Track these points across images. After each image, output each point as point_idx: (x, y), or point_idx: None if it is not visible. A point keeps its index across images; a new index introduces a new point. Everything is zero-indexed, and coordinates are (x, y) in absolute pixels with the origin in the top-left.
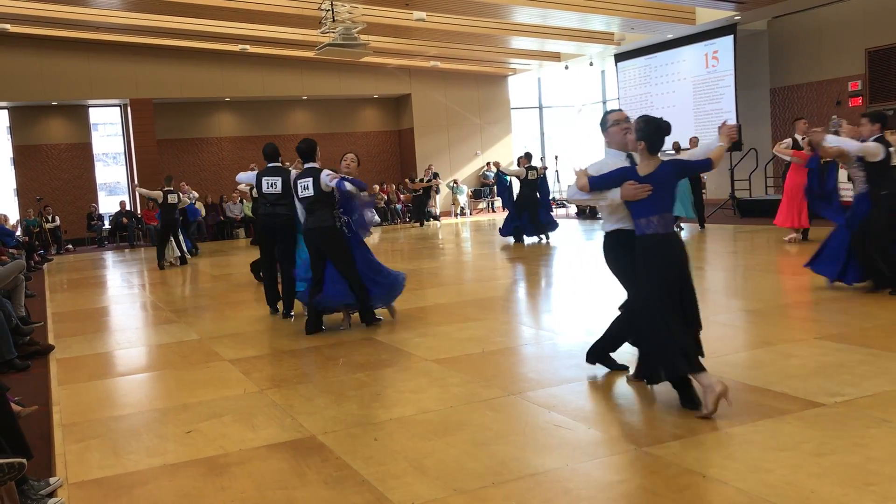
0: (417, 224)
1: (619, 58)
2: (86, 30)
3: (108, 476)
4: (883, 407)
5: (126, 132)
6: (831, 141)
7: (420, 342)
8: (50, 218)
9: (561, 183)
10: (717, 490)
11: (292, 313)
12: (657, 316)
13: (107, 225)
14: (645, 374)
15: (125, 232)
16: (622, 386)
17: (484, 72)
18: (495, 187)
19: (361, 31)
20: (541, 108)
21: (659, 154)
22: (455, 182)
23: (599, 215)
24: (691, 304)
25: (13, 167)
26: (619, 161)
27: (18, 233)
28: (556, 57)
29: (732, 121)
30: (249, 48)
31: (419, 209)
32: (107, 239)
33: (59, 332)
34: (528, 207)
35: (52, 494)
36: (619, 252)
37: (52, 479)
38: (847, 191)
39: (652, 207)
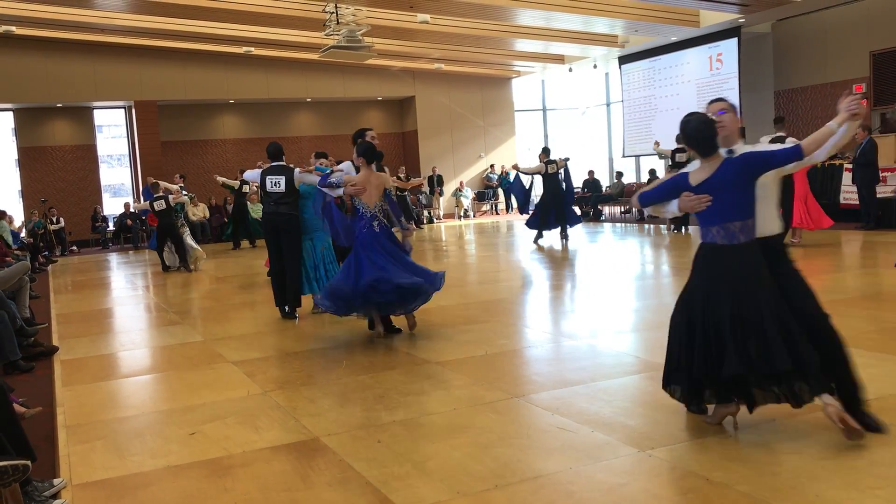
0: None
1: (623, 60)
2: (91, 32)
3: (112, 477)
4: (888, 410)
5: (131, 134)
6: None
7: (423, 344)
8: (54, 219)
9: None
10: (721, 493)
11: (296, 314)
12: (671, 330)
13: (111, 226)
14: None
15: (129, 233)
16: (625, 389)
17: (488, 74)
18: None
19: (365, 33)
20: (544, 110)
21: (721, 151)
22: (461, 185)
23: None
24: (747, 335)
25: (18, 169)
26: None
27: (23, 234)
28: (559, 59)
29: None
30: (254, 50)
31: (406, 211)
32: (111, 240)
33: (64, 333)
34: (554, 202)
35: (55, 496)
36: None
37: (55, 481)
38: (851, 194)
39: (713, 216)
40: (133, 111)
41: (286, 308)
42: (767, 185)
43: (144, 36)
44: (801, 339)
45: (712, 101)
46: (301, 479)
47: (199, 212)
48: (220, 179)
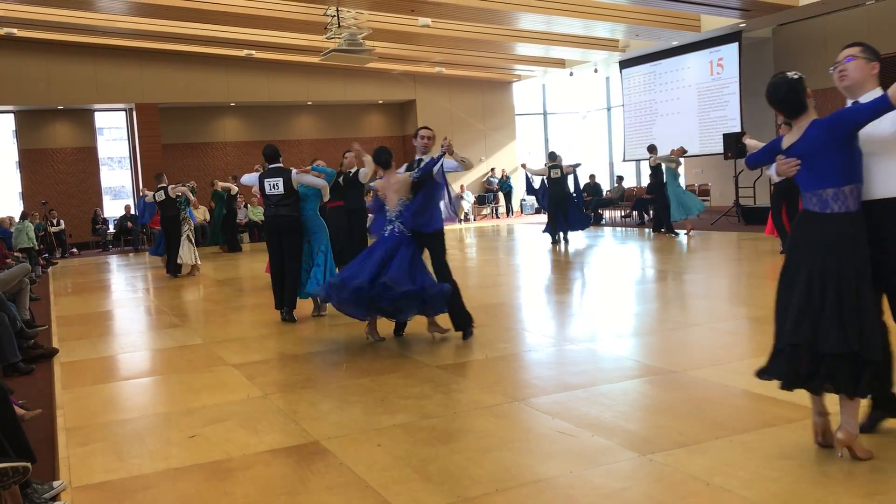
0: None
1: (624, 64)
2: (92, 34)
3: (112, 480)
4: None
5: (132, 136)
6: None
7: (424, 348)
8: (55, 222)
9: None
10: (721, 498)
11: (294, 317)
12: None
13: (111, 229)
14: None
15: (130, 236)
16: (626, 393)
17: (489, 78)
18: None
19: (366, 36)
20: (545, 114)
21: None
22: (462, 188)
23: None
24: (824, 309)
25: (19, 171)
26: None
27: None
28: (560, 63)
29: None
30: (255, 53)
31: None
32: (111, 243)
33: (64, 335)
34: (559, 205)
35: (55, 498)
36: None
37: (55, 483)
38: None
39: (804, 182)
40: (134, 114)
41: (284, 310)
42: (887, 141)
43: (145, 39)
44: (870, 327)
45: (847, 46)
46: (301, 482)
47: (199, 214)
48: (221, 184)
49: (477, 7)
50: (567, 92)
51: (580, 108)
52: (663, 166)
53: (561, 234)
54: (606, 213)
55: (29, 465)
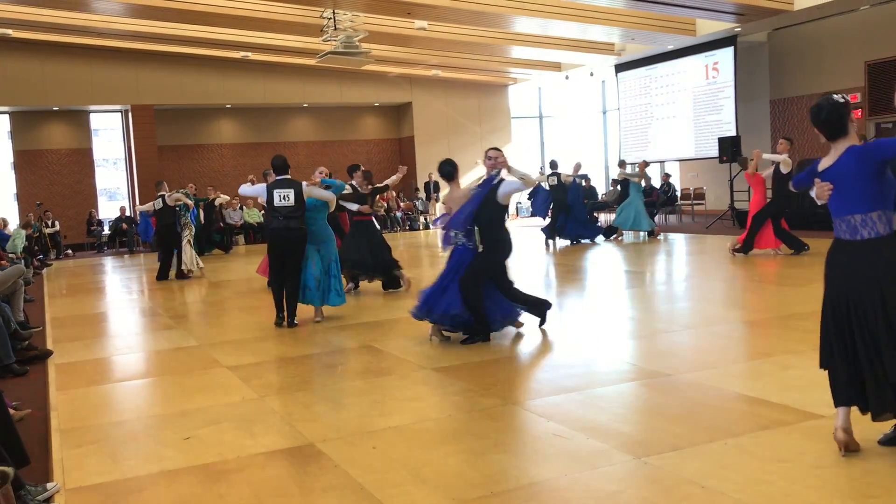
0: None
1: (620, 68)
2: (87, 35)
3: (106, 482)
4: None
5: (127, 138)
6: None
7: (419, 350)
8: (50, 223)
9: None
10: (716, 501)
11: (296, 321)
12: (822, 333)
13: (106, 230)
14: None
15: (125, 237)
16: (621, 396)
17: (485, 81)
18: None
19: (363, 39)
20: (541, 117)
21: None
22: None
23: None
24: (865, 337)
25: (14, 172)
26: None
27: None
28: (556, 67)
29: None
30: (251, 55)
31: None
32: (106, 244)
33: (58, 337)
34: (562, 211)
35: (49, 500)
36: None
37: (49, 485)
38: None
39: (835, 207)
40: (129, 115)
41: (284, 319)
42: None
43: (141, 40)
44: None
45: None
46: (296, 484)
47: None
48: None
49: (473, 10)
50: (563, 95)
51: (576, 112)
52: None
53: (557, 238)
54: (602, 217)
55: (10, 470)
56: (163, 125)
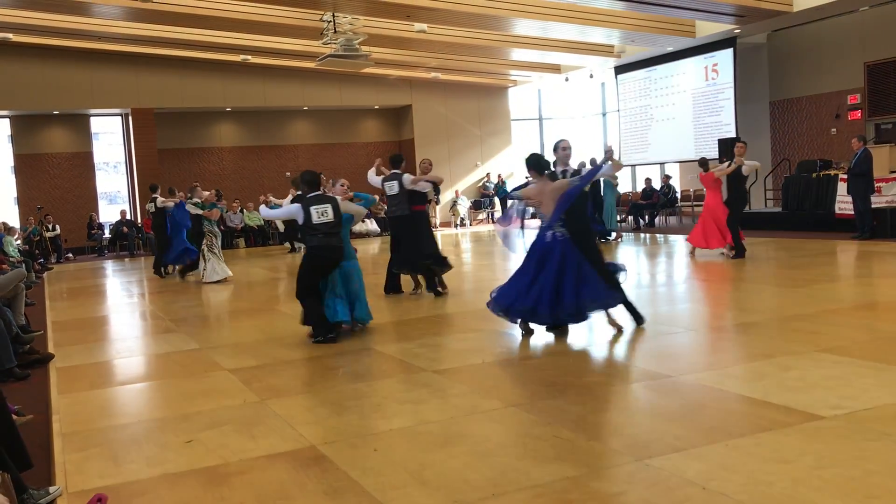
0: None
1: (619, 70)
2: (87, 39)
3: (108, 485)
4: (883, 420)
5: (127, 141)
6: None
7: (420, 352)
8: (50, 227)
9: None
10: (717, 502)
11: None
12: None
13: (107, 234)
14: None
15: (125, 241)
16: (623, 398)
17: (484, 83)
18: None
19: (363, 42)
20: (541, 119)
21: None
22: (457, 193)
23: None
24: None
25: (14, 176)
26: None
27: (19, 242)
28: (556, 69)
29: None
30: (251, 58)
31: (289, 230)
32: (107, 248)
33: (59, 340)
34: None
35: (51, 503)
36: None
37: (51, 489)
38: (846, 204)
39: None
40: (130, 119)
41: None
42: None
43: (141, 44)
44: None
45: None
46: (297, 487)
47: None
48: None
49: (472, 13)
50: (563, 97)
51: (576, 114)
52: (602, 179)
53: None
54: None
55: (6, 475)
56: (163, 128)
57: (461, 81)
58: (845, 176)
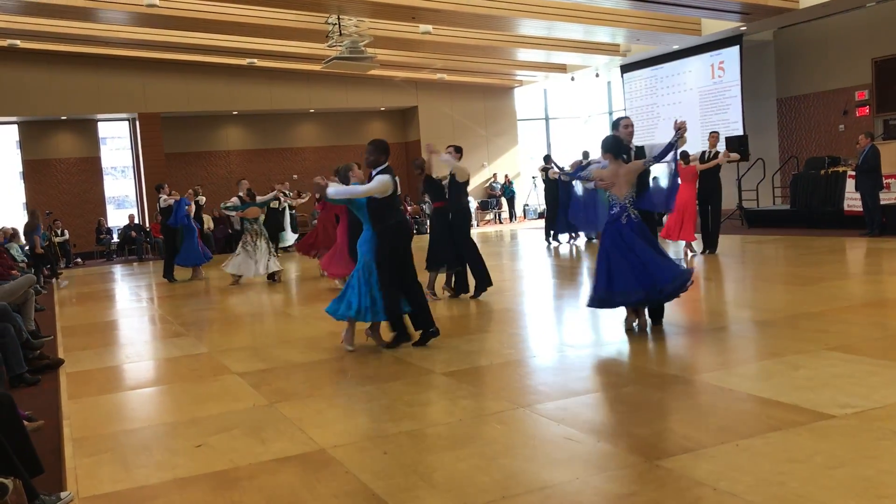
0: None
1: (625, 69)
2: (94, 45)
3: (119, 490)
4: (894, 418)
5: (135, 146)
6: None
7: (428, 354)
8: (59, 232)
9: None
10: (728, 503)
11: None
12: None
13: (115, 238)
14: None
15: (134, 245)
16: (631, 398)
17: (490, 84)
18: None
19: (368, 44)
20: (547, 119)
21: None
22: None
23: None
24: None
25: (22, 181)
26: None
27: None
28: (562, 68)
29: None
30: (257, 62)
31: (273, 232)
32: (115, 252)
33: (69, 345)
34: (559, 207)
35: None
36: None
37: (63, 494)
38: (855, 201)
39: None
40: (137, 123)
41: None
42: None
43: (148, 48)
44: None
45: None
46: (307, 490)
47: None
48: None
49: (478, 13)
50: (569, 97)
51: (581, 113)
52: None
53: (552, 236)
54: None
55: (9, 483)
56: (170, 133)
57: (467, 82)
58: (853, 172)
